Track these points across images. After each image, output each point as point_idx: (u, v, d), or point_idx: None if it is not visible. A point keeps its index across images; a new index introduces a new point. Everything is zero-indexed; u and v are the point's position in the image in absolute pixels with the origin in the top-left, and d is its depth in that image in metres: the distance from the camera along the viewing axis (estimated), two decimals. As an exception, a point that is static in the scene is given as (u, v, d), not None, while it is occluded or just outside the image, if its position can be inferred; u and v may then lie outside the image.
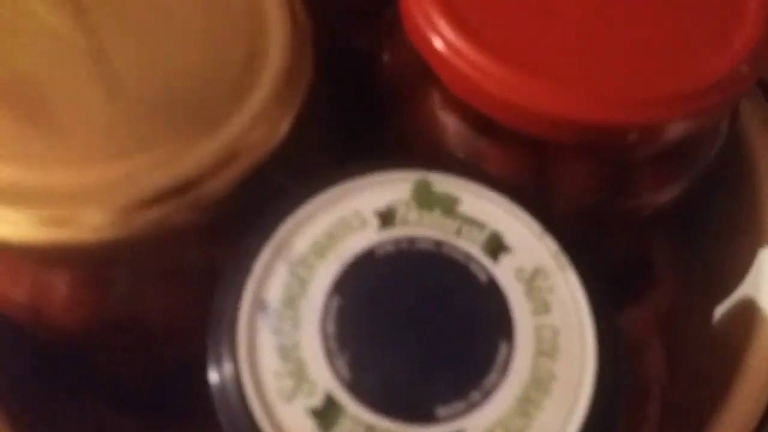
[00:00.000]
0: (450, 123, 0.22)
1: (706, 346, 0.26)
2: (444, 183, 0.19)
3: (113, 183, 0.18)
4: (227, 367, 0.16)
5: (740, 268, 0.25)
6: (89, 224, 0.17)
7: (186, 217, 0.18)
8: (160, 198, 0.18)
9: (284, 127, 0.20)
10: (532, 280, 0.18)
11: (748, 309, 0.24)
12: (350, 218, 0.18)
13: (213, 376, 0.17)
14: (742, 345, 0.23)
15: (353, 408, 0.16)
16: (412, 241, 0.18)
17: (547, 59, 0.20)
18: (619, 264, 0.29)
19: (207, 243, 0.20)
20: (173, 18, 0.20)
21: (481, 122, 0.21)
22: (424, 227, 0.19)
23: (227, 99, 0.19)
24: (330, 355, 0.17)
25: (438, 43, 0.21)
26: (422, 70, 0.22)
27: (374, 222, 0.18)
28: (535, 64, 0.20)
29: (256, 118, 0.19)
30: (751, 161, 0.25)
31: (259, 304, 0.17)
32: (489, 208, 0.19)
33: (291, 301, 0.17)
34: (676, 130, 0.20)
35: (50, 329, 0.21)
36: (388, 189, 0.19)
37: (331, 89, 0.22)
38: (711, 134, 0.23)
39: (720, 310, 0.26)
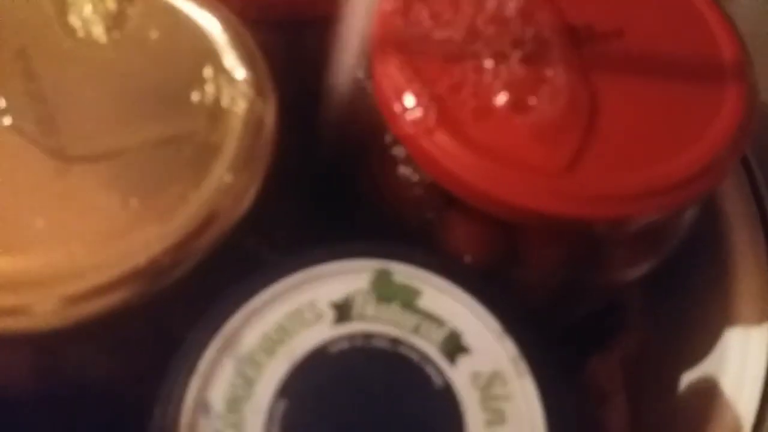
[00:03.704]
0: (415, 190, 0.21)
1: (670, 414, 0.26)
2: (405, 274, 0.18)
3: (64, 272, 0.17)
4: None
5: (707, 342, 0.25)
6: (39, 313, 0.17)
7: (140, 300, 0.17)
8: (112, 286, 0.17)
9: (246, 201, 0.19)
10: (488, 386, 0.17)
11: (710, 389, 0.23)
12: (304, 311, 0.18)
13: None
14: (701, 425, 0.23)
15: None
16: (368, 337, 0.18)
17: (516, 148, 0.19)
18: (587, 313, 0.28)
19: (166, 318, 0.19)
20: (127, 92, 0.19)
21: (447, 194, 0.20)
22: (382, 322, 0.18)
23: (186, 174, 0.18)
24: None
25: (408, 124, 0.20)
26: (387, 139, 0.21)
27: (330, 315, 0.18)
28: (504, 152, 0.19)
29: (216, 193, 0.18)
30: (726, 239, 0.24)
31: (203, 407, 0.16)
32: (449, 304, 0.18)
33: (235, 404, 0.16)
34: (647, 220, 0.20)
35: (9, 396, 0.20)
36: (346, 279, 0.18)
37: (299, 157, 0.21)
38: (686, 215, 0.22)
39: (685, 380, 0.26)
